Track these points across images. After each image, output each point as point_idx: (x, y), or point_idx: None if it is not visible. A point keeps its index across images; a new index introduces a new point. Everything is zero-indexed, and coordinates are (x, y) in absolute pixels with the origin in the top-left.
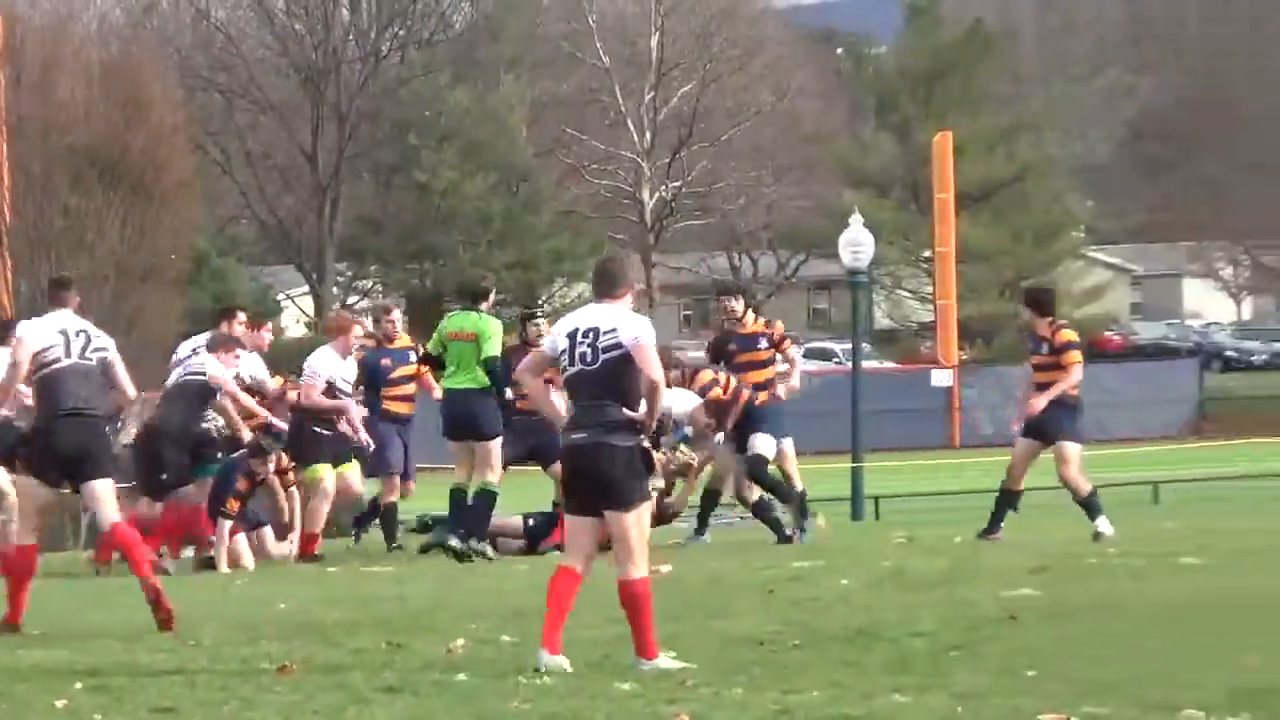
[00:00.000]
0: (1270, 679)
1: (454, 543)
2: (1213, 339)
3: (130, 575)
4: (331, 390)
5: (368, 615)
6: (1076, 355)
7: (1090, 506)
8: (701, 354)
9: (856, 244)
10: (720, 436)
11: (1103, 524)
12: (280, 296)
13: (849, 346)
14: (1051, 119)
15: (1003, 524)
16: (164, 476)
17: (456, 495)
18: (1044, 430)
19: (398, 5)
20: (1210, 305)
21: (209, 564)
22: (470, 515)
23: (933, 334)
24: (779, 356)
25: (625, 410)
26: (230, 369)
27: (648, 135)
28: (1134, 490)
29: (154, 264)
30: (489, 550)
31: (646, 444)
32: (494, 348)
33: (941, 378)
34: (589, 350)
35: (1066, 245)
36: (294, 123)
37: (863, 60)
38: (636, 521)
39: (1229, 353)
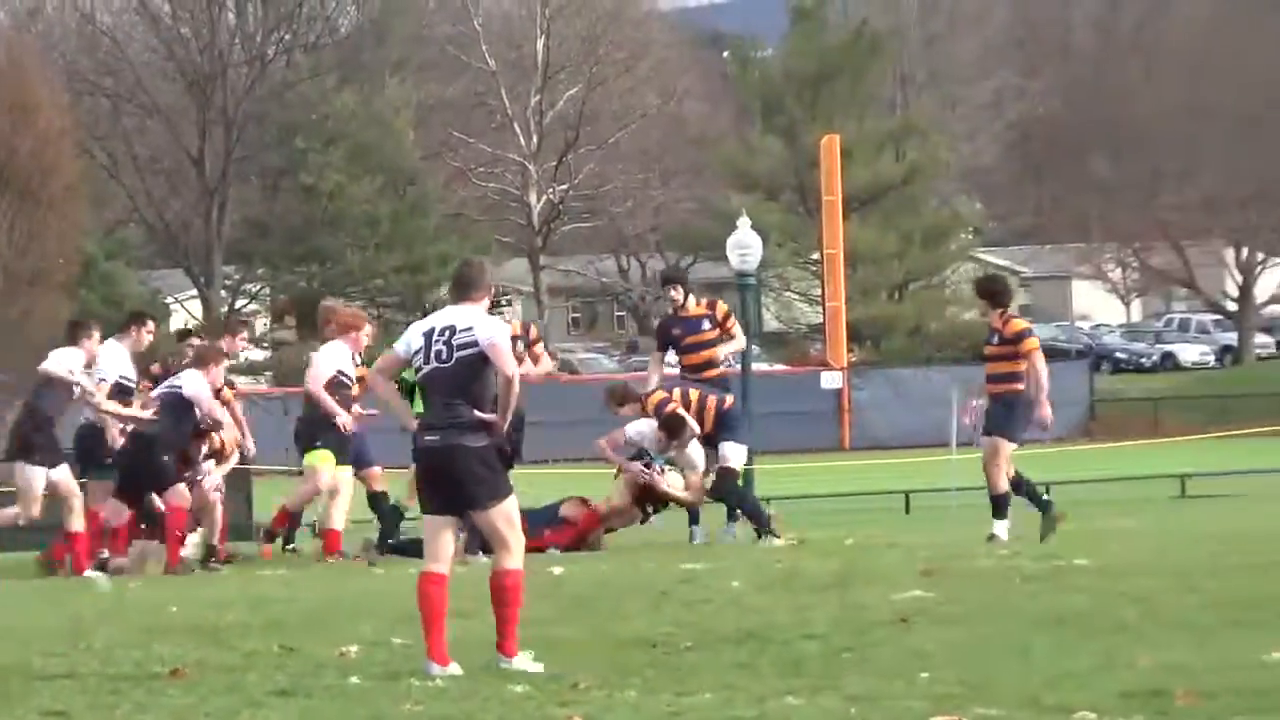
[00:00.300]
0: (1162, 680)
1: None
2: (1102, 341)
3: (17, 579)
4: (334, 385)
5: (260, 618)
6: (1034, 341)
7: (999, 506)
8: (591, 355)
9: (744, 246)
10: (695, 445)
11: (1001, 528)
12: (169, 300)
13: None
14: (938, 122)
15: (1050, 501)
16: (165, 459)
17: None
18: (991, 422)
19: (283, 9)
20: (1099, 307)
21: (104, 567)
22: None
23: (822, 336)
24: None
25: (476, 412)
26: (213, 381)
27: (534, 138)
28: None
29: (42, 268)
30: None
31: (500, 443)
32: None
33: (831, 380)
34: (444, 348)
35: (956, 247)
36: (181, 126)
37: (749, 63)
38: (502, 516)
39: (1119, 354)
